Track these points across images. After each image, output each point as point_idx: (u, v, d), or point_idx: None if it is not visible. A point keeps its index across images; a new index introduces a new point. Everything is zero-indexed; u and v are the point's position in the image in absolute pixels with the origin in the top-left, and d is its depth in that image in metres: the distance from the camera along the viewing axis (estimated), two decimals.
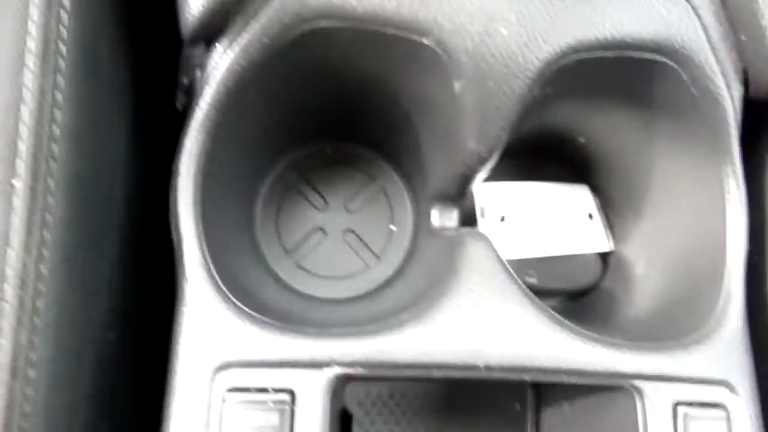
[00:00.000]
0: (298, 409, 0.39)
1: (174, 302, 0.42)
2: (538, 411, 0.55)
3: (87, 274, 0.40)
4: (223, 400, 0.38)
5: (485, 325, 0.41)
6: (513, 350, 0.41)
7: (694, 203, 0.52)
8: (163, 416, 0.39)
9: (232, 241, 0.50)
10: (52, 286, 0.36)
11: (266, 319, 0.41)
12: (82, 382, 0.39)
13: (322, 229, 0.61)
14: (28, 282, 0.35)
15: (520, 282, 0.44)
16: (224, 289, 0.41)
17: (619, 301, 0.57)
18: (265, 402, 0.38)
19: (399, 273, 0.60)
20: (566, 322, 0.43)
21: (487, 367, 0.40)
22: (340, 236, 0.61)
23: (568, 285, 0.59)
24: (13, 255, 0.35)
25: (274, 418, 0.38)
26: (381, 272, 0.60)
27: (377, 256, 0.60)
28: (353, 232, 0.61)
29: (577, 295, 0.60)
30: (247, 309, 0.41)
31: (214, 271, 0.41)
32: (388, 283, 0.59)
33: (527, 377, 0.41)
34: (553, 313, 0.43)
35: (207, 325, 0.40)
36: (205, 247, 0.42)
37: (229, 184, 0.50)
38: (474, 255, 0.44)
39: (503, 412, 0.55)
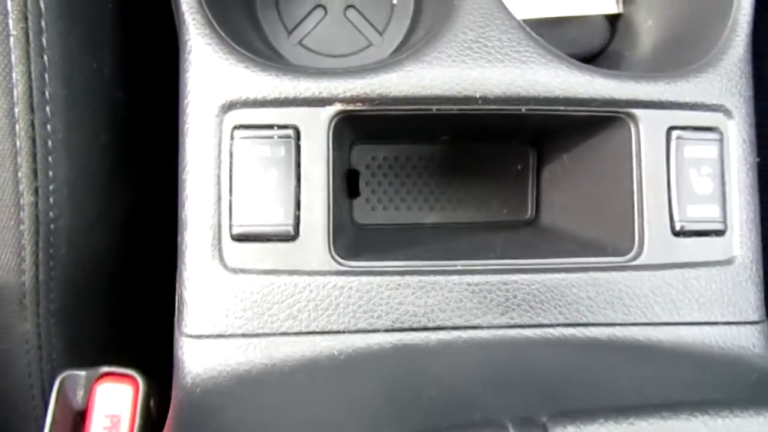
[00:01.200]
0: (303, 143, 0.41)
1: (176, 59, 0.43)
2: (538, 170, 0.57)
3: (87, 21, 0.40)
4: (232, 137, 0.41)
5: (482, 59, 0.42)
6: (510, 81, 0.41)
7: None
8: (179, 155, 0.41)
9: (233, 15, 0.50)
10: (53, 24, 0.37)
11: (268, 62, 0.41)
12: (99, 125, 0.42)
13: (322, 6, 0.60)
14: (29, 16, 0.36)
15: (518, 19, 0.44)
16: (224, 35, 0.42)
17: (628, 61, 0.57)
18: (271, 137, 0.41)
19: (402, 46, 0.59)
20: (564, 55, 0.43)
21: (484, 99, 0.41)
22: (340, 13, 0.60)
23: (575, 49, 0.58)
24: None
25: (280, 151, 0.40)
26: (384, 49, 0.60)
27: (379, 32, 0.60)
28: (354, 7, 0.60)
29: (584, 60, 0.60)
30: (248, 54, 0.42)
31: (213, 21, 0.42)
32: (393, 55, 0.59)
33: (524, 108, 0.42)
34: (550, 46, 0.43)
35: (210, 69, 0.41)
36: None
37: None
38: None
39: (505, 173, 0.57)
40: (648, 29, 0.56)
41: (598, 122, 0.46)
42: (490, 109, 0.42)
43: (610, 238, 0.45)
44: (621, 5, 0.60)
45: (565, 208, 0.52)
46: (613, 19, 0.60)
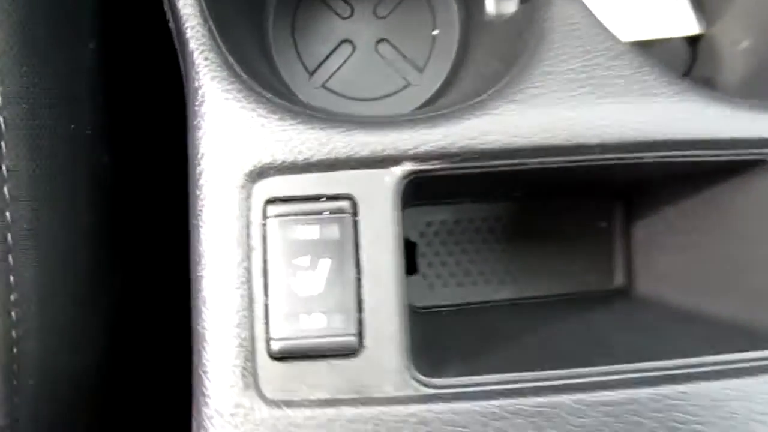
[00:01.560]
0: (362, 219, 0.30)
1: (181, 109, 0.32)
2: (628, 226, 0.46)
3: (60, 67, 0.30)
4: (265, 216, 0.30)
5: (593, 94, 0.31)
6: (636, 122, 0.31)
7: None
8: (191, 242, 0.30)
9: (249, 54, 0.39)
10: (11, 72, 0.26)
11: (310, 111, 0.31)
12: (78, 205, 0.31)
13: (349, 42, 0.50)
14: None
15: (626, 44, 0.34)
16: (247, 78, 0.31)
17: (721, 88, 0.47)
18: (319, 213, 0.30)
19: (448, 85, 0.49)
20: (692, 84, 0.33)
21: (602, 147, 0.31)
22: (371, 48, 0.50)
23: None
24: None
25: (332, 232, 0.29)
26: (425, 89, 0.50)
27: (419, 69, 0.50)
28: (387, 41, 0.50)
29: None
30: (281, 101, 0.31)
31: (232, 60, 0.31)
32: (437, 97, 0.49)
33: (651, 156, 0.32)
34: (673, 74, 0.33)
35: (232, 125, 0.30)
36: (215, 31, 0.32)
37: None
38: (566, 14, 0.33)
39: (586, 232, 0.47)
40: (745, 50, 0.47)
41: (730, 168, 0.35)
42: (606, 159, 0.31)
43: (759, 318, 0.35)
44: (703, 25, 0.51)
45: (674, 275, 0.42)
46: (693, 41, 0.51)
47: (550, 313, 0.42)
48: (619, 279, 0.46)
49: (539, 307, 0.44)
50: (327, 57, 0.49)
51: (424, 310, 0.43)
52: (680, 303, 0.40)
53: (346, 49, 0.49)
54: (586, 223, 0.46)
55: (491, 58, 0.42)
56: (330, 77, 0.49)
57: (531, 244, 0.46)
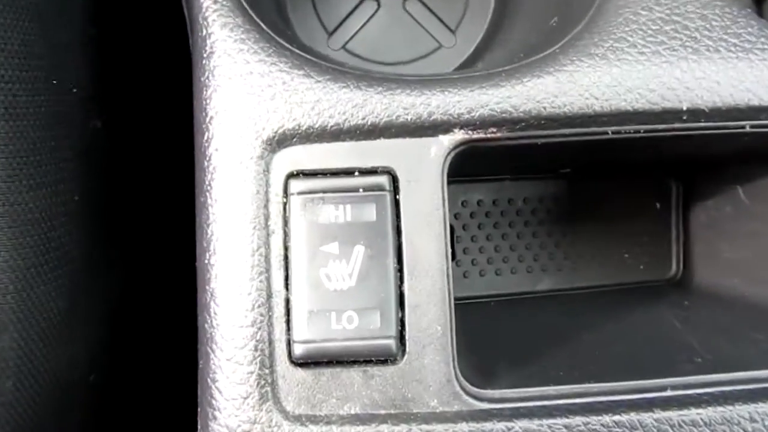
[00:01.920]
0: (404, 197, 0.25)
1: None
2: (685, 209, 0.41)
3: (42, 15, 0.24)
4: (286, 193, 0.25)
5: (685, 47, 0.26)
6: (735, 82, 0.26)
7: None
8: (197, 224, 0.25)
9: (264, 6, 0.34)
10: None
11: (340, 68, 0.26)
12: (64, 179, 0.26)
13: None
14: None
15: None
16: (265, 27, 0.26)
17: None
18: (351, 190, 0.25)
19: (485, 47, 0.44)
20: None
21: (693, 112, 0.26)
22: (398, 5, 0.45)
23: None
24: None
25: (368, 213, 0.24)
26: (459, 51, 0.45)
27: (451, 30, 0.45)
28: None
29: None
30: (305, 54, 0.26)
31: (245, 4, 0.26)
32: (473, 60, 0.44)
33: (748, 125, 0.27)
34: None
35: (247, 81, 0.25)
36: None
37: None
38: None
39: (638, 214, 0.41)
40: None
41: None
42: (697, 129, 0.26)
43: None
44: None
45: (747, 265, 0.37)
46: (759, 2, 0.46)
47: (601, 307, 0.38)
48: (674, 268, 0.41)
49: (587, 299, 0.39)
50: (348, 15, 0.44)
51: (458, 302, 0.38)
52: (759, 298, 0.35)
53: (369, 6, 0.44)
54: (638, 204, 0.41)
55: (542, 13, 0.36)
56: (351, 38, 0.44)
57: (577, 227, 0.41)
